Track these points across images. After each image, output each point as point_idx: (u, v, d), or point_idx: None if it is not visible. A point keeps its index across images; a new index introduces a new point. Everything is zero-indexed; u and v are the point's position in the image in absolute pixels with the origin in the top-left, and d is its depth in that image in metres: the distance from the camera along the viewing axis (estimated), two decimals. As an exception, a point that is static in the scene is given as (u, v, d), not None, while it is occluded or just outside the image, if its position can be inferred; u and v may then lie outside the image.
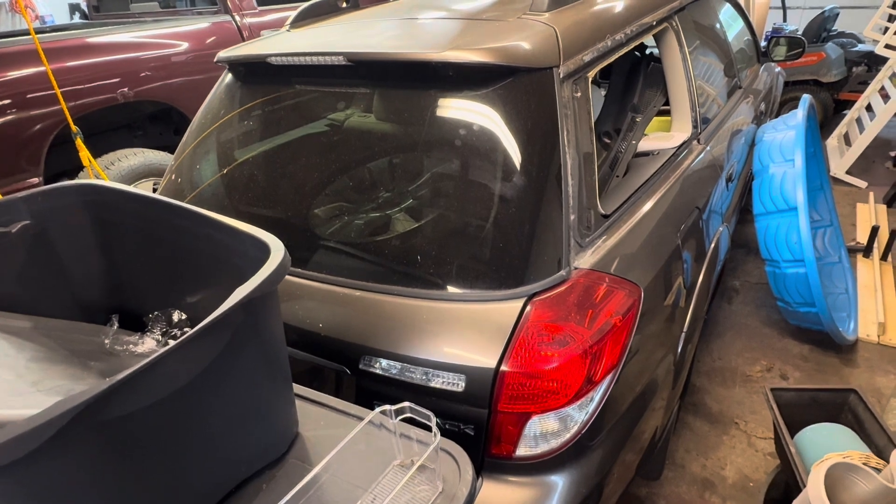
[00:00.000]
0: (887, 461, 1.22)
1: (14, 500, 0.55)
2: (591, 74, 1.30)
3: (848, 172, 4.00)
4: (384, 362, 1.11)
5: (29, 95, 2.64)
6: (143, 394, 0.58)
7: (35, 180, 2.74)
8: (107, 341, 0.93)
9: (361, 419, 0.88)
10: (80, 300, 1.03)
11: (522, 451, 1.09)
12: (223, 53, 1.56)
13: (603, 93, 2.35)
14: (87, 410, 0.52)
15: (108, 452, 0.59)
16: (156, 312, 1.00)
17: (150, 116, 3.42)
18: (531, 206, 1.13)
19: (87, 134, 2.68)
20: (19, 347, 0.79)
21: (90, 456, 0.58)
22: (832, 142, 4.39)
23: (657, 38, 1.77)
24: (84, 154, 2.52)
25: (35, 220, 0.97)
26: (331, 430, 0.91)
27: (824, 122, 4.65)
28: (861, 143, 3.92)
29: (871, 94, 4.21)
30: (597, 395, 1.10)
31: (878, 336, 2.44)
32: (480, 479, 1.13)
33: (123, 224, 1.01)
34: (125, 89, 3.02)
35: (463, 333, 1.08)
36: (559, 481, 1.12)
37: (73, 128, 2.52)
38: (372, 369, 1.12)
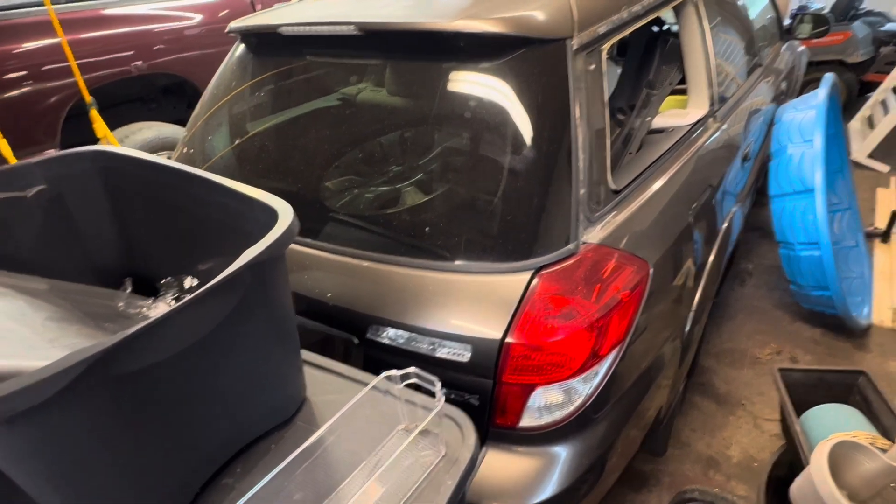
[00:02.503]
0: (894, 442, 1.22)
1: (27, 448, 0.57)
2: (606, 47, 1.27)
3: (870, 156, 3.90)
4: (391, 332, 1.12)
5: (44, 67, 2.66)
6: (154, 349, 0.60)
7: (51, 152, 2.78)
8: (120, 304, 0.95)
9: (367, 385, 0.90)
10: (94, 265, 1.05)
11: (526, 421, 1.10)
12: (235, 24, 1.56)
13: (619, 70, 2.30)
14: (100, 362, 0.53)
15: (119, 406, 0.61)
16: (168, 278, 1.02)
17: (164, 90, 3.43)
18: (540, 179, 1.12)
19: (102, 107, 2.71)
20: (36, 307, 0.81)
21: (102, 409, 0.59)
22: (855, 124, 4.27)
23: (676, 11, 1.72)
24: (99, 125, 2.54)
25: (50, 185, 0.98)
26: (338, 395, 0.93)
27: (848, 103, 4.52)
28: (885, 126, 3.81)
29: (898, 75, 4.07)
30: (602, 368, 1.11)
31: (893, 321, 2.41)
32: (485, 448, 1.15)
33: (136, 190, 1.02)
34: (139, 62, 3.03)
35: (470, 305, 1.08)
36: (562, 452, 1.13)
37: (88, 98, 2.54)
38: (379, 339, 1.14)
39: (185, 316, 0.61)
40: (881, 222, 3.06)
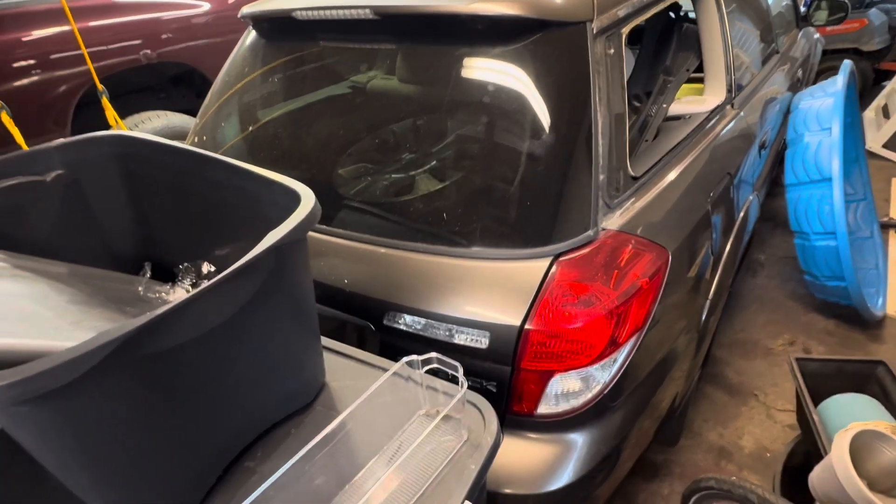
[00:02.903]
0: (914, 432, 1.20)
1: (55, 427, 0.57)
2: (626, 31, 1.25)
3: (884, 146, 3.85)
4: (408, 318, 1.12)
5: (54, 55, 2.65)
6: (182, 330, 0.60)
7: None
8: (140, 289, 0.95)
9: (388, 371, 0.90)
10: (111, 250, 1.05)
11: (544, 409, 1.10)
12: (246, 9, 1.54)
13: (634, 57, 2.27)
14: (129, 342, 0.53)
15: (144, 387, 0.61)
16: (186, 264, 1.02)
17: (173, 79, 3.42)
18: (560, 165, 1.11)
19: (111, 96, 2.70)
20: (58, 290, 0.81)
21: (128, 389, 0.59)
22: (869, 114, 4.21)
23: (694, -5, 1.69)
24: (110, 113, 2.54)
25: (68, 169, 0.98)
26: (357, 381, 0.93)
27: (863, 92, 4.45)
28: (901, 115, 3.76)
29: (914, 63, 4.01)
30: (620, 356, 1.10)
31: (908, 313, 2.39)
32: (502, 434, 1.14)
33: (154, 175, 1.02)
34: (148, 51, 3.02)
35: (488, 291, 1.08)
36: (579, 440, 1.13)
37: (99, 86, 2.53)
38: (396, 325, 1.13)
39: (211, 297, 0.61)
40: (896, 213, 3.02)
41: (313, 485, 0.77)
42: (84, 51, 2.49)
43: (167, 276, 1.04)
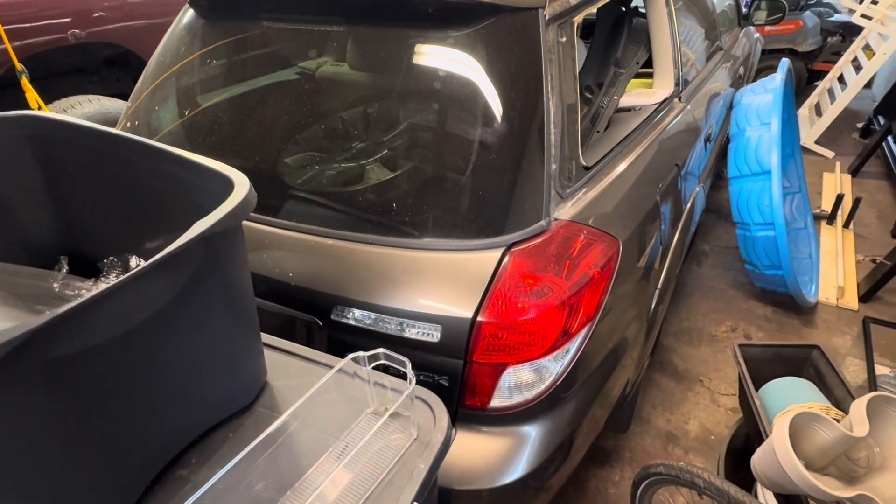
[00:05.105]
0: (846, 412, 1.27)
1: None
2: (578, 20, 1.24)
3: (816, 142, 4.08)
4: (357, 313, 1.07)
5: (-33, 31, 2.42)
6: (92, 330, 0.53)
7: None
8: (56, 285, 0.86)
9: (333, 368, 0.85)
10: (25, 243, 0.95)
11: (497, 402, 1.08)
12: (183, -16, 1.44)
13: (585, 50, 2.29)
14: (27, 345, 0.47)
15: (53, 394, 0.54)
16: (111, 258, 0.94)
17: (106, 61, 3.20)
18: (512, 153, 1.09)
19: (36, 77, 2.49)
20: (-45, 288, 0.72)
21: (32, 397, 0.53)
22: (803, 111, 4.45)
23: (643, -11, 1.71)
24: (31, 96, 2.34)
25: (-30, 153, 0.88)
26: (301, 379, 0.88)
27: (797, 91, 4.70)
28: (831, 113, 3.98)
29: (843, 64, 4.25)
30: (572, 347, 1.10)
31: (837, 299, 2.54)
32: (454, 429, 1.12)
33: (74, 161, 0.93)
34: (76, 30, 2.81)
35: (439, 283, 1.05)
36: (532, 432, 1.12)
37: (18, 66, 2.32)
38: (344, 320, 1.09)
39: (127, 293, 0.55)
40: (827, 205, 3.20)
41: (253, 491, 0.72)
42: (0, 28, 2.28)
43: (92, 271, 0.95)
